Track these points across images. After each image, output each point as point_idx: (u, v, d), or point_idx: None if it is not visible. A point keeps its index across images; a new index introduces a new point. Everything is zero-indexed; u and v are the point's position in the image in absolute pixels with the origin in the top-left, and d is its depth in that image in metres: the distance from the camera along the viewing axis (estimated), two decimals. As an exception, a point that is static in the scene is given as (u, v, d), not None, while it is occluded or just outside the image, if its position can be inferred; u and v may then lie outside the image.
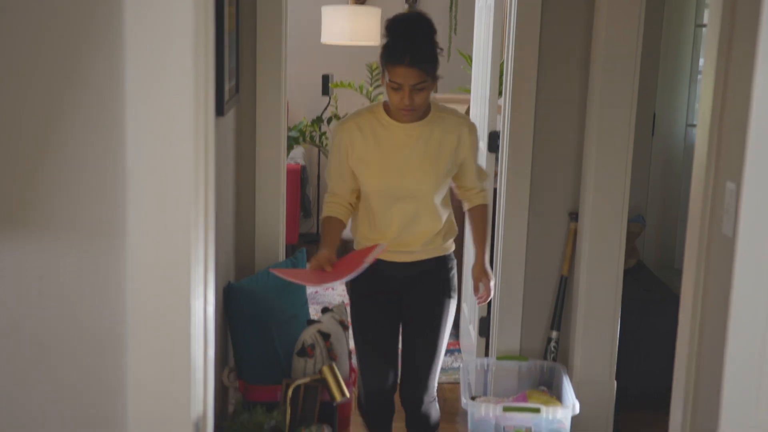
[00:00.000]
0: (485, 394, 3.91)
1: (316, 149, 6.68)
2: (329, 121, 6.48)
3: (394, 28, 2.77)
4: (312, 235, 6.70)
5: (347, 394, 3.02)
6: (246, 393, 3.37)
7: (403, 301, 3.02)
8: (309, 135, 6.37)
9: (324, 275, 2.70)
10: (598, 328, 3.74)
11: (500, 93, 4.16)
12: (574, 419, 3.55)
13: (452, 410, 3.99)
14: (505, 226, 3.82)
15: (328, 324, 3.46)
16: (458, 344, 4.67)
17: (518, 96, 3.73)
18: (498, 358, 3.88)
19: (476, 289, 3.07)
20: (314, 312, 4.34)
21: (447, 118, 2.89)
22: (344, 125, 2.90)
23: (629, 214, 3.89)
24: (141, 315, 1.48)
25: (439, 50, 2.78)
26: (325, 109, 6.55)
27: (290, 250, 5.49)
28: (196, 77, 1.44)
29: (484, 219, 3.05)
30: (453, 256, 3.06)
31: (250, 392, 3.35)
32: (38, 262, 1.48)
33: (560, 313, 3.86)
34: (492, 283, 3.05)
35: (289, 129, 6.18)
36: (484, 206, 3.06)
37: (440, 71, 2.80)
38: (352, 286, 3.04)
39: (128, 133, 1.44)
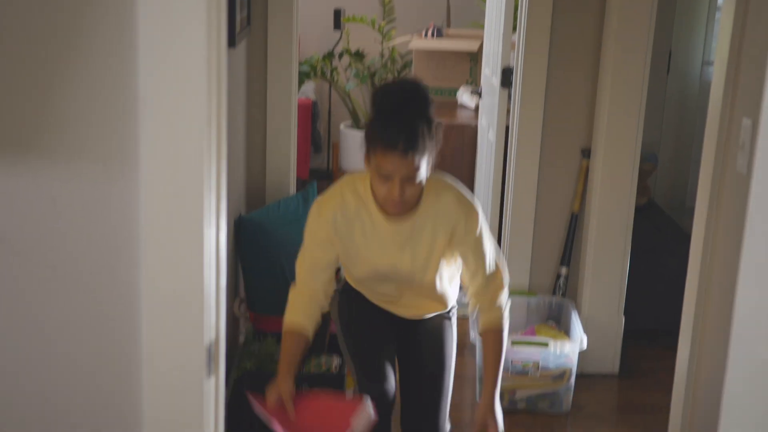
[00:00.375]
0: (493, 329, 3.94)
1: (327, 84, 6.64)
2: (341, 56, 6.42)
3: (384, 103, 2.29)
4: (322, 171, 6.69)
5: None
6: (256, 323, 3.41)
7: (401, 339, 2.65)
8: (320, 70, 6.32)
9: None
10: (608, 265, 3.75)
11: (514, 28, 4.11)
12: (582, 354, 3.58)
13: (461, 344, 4.00)
14: (517, 162, 3.81)
15: (339, 258, 3.48)
16: (467, 280, 4.70)
17: (532, 31, 3.68)
18: (507, 294, 3.90)
19: None
20: (324, 246, 4.35)
21: (442, 208, 2.40)
22: (325, 210, 2.44)
23: (642, 152, 3.87)
24: (154, 240, 1.49)
25: (436, 125, 2.30)
26: (337, 43, 6.49)
27: (300, 184, 5.49)
28: (208, 4, 1.43)
29: (497, 348, 2.46)
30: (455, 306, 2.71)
31: (261, 323, 3.39)
32: (51, 187, 1.48)
33: (570, 250, 3.87)
34: (499, 428, 2.42)
35: (300, 63, 6.13)
36: (498, 333, 2.47)
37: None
38: (339, 304, 2.67)
39: (140, 60, 1.43)
